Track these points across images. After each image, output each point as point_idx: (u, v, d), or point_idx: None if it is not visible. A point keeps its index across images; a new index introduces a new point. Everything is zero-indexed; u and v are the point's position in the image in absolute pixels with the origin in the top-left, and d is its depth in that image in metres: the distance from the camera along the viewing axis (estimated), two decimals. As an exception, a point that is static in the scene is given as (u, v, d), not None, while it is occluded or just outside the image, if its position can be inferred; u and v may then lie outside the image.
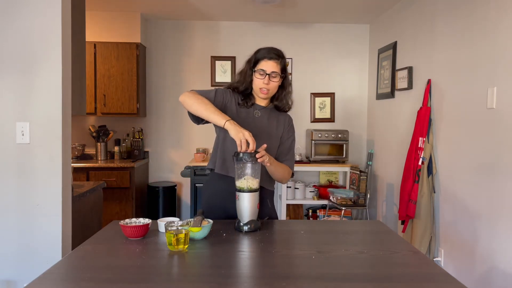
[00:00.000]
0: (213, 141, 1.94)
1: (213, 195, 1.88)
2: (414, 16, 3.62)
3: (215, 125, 1.86)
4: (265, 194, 1.87)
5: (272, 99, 1.92)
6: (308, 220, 4.33)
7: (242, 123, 1.82)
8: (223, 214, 1.82)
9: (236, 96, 1.89)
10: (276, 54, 1.81)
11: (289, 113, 2.01)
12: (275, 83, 1.82)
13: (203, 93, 1.80)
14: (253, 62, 1.83)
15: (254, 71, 1.82)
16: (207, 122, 1.80)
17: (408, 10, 3.74)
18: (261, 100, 1.90)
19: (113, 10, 4.31)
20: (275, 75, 1.80)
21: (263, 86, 1.80)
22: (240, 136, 1.60)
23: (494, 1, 2.50)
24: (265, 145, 1.67)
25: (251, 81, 1.85)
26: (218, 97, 1.82)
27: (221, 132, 1.86)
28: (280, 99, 1.90)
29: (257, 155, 1.62)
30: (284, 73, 1.84)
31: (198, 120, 1.81)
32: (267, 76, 1.79)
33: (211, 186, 1.90)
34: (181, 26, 4.74)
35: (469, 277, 2.70)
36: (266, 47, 1.84)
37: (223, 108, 1.81)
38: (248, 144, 1.60)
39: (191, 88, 4.74)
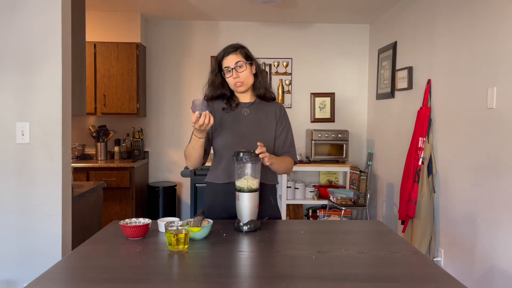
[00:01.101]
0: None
1: (215, 195, 1.88)
2: (414, 16, 3.62)
3: (211, 143, 1.89)
4: (268, 191, 1.87)
5: (254, 90, 1.92)
6: (308, 220, 4.33)
7: (233, 126, 1.83)
8: (226, 214, 1.82)
9: (218, 103, 1.89)
10: (232, 47, 1.83)
11: (289, 111, 2.01)
12: (244, 73, 1.81)
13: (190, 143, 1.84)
14: (217, 67, 1.86)
15: (223, 74, 1.84)
16: (207, 158, 1.86)
17: (408, 10, 3.74)
18: (245, 97, 1.89)
19: (113, 10, 4.31)
20: (241, 64, 1.80)
21: (235, 81, 1.81)
22: (193, 125, 1.63)
23: (494, 1, 2.50)
24: (260, 143, 1.66)
25: (222, 84, 1.86)
26: None
27: (215, 146, 1.88)
28: (258, 87, 1.89)
29: (257, 151, 1.62)
30: (249, 60, 1.84)
31: (202, 161, 1.86)
32: (233, 70, 1.80)
33: (213, 189, 1.89)
34: (181, 26, 4.74)
35: (469, 277, 2.70)
36: (222, 49, 1.86)
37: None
38: (201, 117, 1.62)
39: (190, 87, 4.74)
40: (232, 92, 1.89)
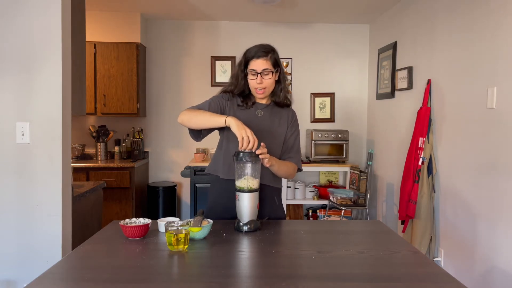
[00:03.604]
0: (213, 141, 1.94)
1: (219, 196, 1.87)
2: (414, 16, 3.62)
3: (219, 130, 1.87)
4: (272, 192, 1.87)
5: (272, 95, 1.91)
6: (308, 220, 4.32)
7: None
8: (229, 215, 1.81)
9: (235, 99, 1.87)
10: (264, 51, 1.78)
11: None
12: (269, 80, 1.79)
13: (198, 107, 1.81)
14: (243, 64, 1.82)
15: (247, 72, 1.81)
16: (206, 135, 1.83)
17: (408, 10, 3.74)
18: (261, 98, 1.88)
19: (113, 10, 4.31)
20: (267, 72, 1.78)
21: (257, 86, 1.79)
22: (243, 133, 1.60)
23: (494, 1, 2.50)
24: (263, 144, 1.66)
25: (245, 83, 1.84)
26: (212, 106, 1.82)
27: (224, 136, 1.86)
28: (278, 94, 1.88)
29: (258, 151, 1.62)
30: (277, 67, 1.81)
31: (197, 135, 1.82)
32: (259, 75, 1.77)
33: (217, 188, 1.89)
34: (181, 26, 4.74)
35: (469, 277, 2.70)
36: (254, 46, 1.81)
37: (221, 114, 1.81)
38: (249, 142, 1.60)
39: (191, 88, 4.75)
40: (249, 90, 1.87)
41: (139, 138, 4.53)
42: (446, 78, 3.06)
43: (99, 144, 4.41)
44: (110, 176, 4.10)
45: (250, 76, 1.80)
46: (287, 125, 1.91)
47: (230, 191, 1.76)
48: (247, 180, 1.62)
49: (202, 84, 4.75)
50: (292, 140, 1.92)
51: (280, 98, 1.88)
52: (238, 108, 1.85)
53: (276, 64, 1.81)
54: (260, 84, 1.78)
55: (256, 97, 1.87)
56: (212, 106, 1.81)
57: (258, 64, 1.77)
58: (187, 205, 4.82)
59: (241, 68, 1.82)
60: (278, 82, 1.86)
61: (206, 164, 4.05)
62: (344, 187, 4.61)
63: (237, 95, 1.87)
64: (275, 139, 1.85)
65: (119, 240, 1.50)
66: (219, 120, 1.68)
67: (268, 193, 1.84)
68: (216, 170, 1.88)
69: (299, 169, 1.94)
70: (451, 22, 2.98)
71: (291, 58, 4.77)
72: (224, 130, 1.85)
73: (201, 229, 1.49)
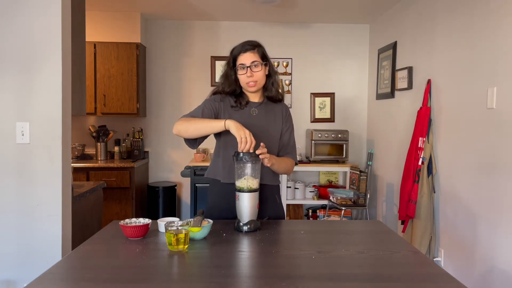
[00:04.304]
0: (213, 141, 1.94)
1: (218, 199, 1.87)
2: (414, 16, 3.62)
3: (215, 136, 1.86)
4: (272, 191, 1.88)
5: (264, 90, 1.90)
6: (308, 220, 4.33)
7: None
8: (229, 214, 1.81)
9: (228, 100, 1.86)
10: (251, 45, 1.80)
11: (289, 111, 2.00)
12: (259, 73, 1.79)
13: (191, 115, 1.80)
14: (231, 62, 1.82)
15: (236, 70, 1.80)
16: (201, 142, 1.82)
17: (408, 10, 3.74)
18: (254, 97, 1.87)
19: (113, 10, 4.31)
20: (256, 64, 1.77)
21: (248, 80, 1.78)
22: (242, 133, 1.60)
23: (494, 1, 2.50)
24: (263, 144, 1.66)
25: (235, 80, 1.83)
26: (206, 112, 1.80)
27: (221, 142, 1.86)
28: (270, 89, 1.87)
29: (258, 151, 1.62)
30: (265, 60, 1.82)
31: (193, 143, 1.82)
32: (248, 68, 1.77)
33: (216, 191, 1.88)
34: (181, 26, 4.74)
35: (469, 277, 2.70)
36: (240, 43, 1.82)
37: (215, 118, 1.81)
38: (247, 143, 1.60)
39: (191, 88, 4.75)
40: (241, 89, 1.87)
41: (139, 138, 4.53)
42: (446, 78, 3.06)
43: (99, 144, 4.41)
44: (110, 176, 4.10)
45: (240, 72, 1.79)
46: (281, 121, 1.91)
47: (230, 195, 1.75)
48: (247, 180, 1.62)
49: (202, 84, 4.75)
50: (287, 136, 1.92)
51: (273, 93, 1.88)
52: (232, 109, 1.84)
53: (264, 57, 1.82)
54: (251, 77, 1.77)
55: (248, 93, 1.86)
56: (205, 112, 1.80)
57: (246, 58, 1.77)
58: (187, 205, 4.82)
59: (230, 66, 1.82)
60: (268, 76, 1.86)
61: (206, 164, 4.05)
62: (344, 187, 4.61)
63: (229, 95, 1.86)
64: (272, 137, 1.85)
65: (119, 240, 1.50)
66: (218, 125, 1.68)
67: (268, 192, 1.84)
68: (216, 175, 1.87)
69: (296, 163, 1.95)
70: (451, 22, 2.98)
71: (291, 58, 4.77)
72: (221, 135, 1.84)
73: (201, 229, 1.49)
